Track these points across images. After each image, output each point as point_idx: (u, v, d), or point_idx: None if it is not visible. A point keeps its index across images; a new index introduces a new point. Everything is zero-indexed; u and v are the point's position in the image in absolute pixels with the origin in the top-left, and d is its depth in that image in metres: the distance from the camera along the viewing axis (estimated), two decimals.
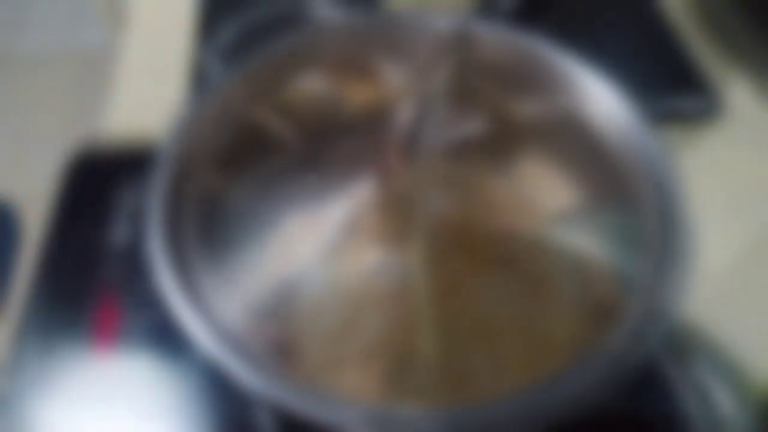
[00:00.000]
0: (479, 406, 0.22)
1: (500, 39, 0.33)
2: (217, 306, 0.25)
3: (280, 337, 0.24)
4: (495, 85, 0.32)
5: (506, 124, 0.30)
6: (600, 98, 0.31)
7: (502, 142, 0.28)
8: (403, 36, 0.34)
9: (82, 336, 0.37)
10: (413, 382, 0.23)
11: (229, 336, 0.24)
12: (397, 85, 0.31)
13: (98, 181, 0.44)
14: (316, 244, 0.25)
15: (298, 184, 0.27)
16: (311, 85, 0.32)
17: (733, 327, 0.39)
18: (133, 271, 0.40)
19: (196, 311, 0.24)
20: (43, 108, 1.47)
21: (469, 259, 0.25)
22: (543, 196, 0.26)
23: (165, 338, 0.37)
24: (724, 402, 0.23)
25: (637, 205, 0.28)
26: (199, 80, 0.33)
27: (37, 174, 1.31)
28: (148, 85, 0.54)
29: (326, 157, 0.27)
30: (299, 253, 0.25)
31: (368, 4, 0.50)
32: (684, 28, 0.57)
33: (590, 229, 0.26)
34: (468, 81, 0.28)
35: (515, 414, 0.22)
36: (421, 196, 0.25)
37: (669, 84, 0.52)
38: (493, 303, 0.25)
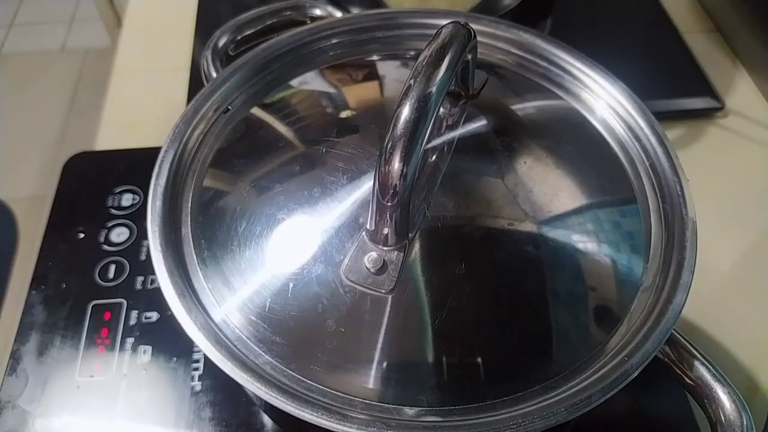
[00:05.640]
0: (480, 406, 0.22)
1: (501, 37, 0.33)
2: (217, 306, 0.25)
3: (280, 337, 0.24)
4: (496, 84, 0.32)
5: (507, 122, 0.30)
6: (602, 96, 0.31)
7: (503, 141, 0.28)
8: (403, 36, 0.34)
9: (81, 336, 0.37)
10: (414, 382, 0.23)
11: (229, 336, 0.24)
12: (397, 85, 0.31)
13: (97, 181, 0.44)
14: (317, 244, 0.25)
15: (299, 184, 0.27)
16: (311, 85, 0.32)
17: (733, 327, 0.39)
18: (133, 271, 0.40)
19: (195, 311, 0.24)
20: (39, 108, 1.47)
21: (469, 259, 0.24)
22: (543, 195, 0.26)
23: (165, 338, 0.37)
24: (724, 402, 0.23)
25: (639, 203, 0.28)
26: (199, 80, 0.33)
27: (30, 175, 1.31)
28: (148, 85, 0.54)
29: (326, 157, 0.27)
30: (299, 253, 0.25)
31: (368, 4, 0.50)
32: (685, 28, 0.57)
33: (590, 229, 0.26)
34: (468, 80, 0.28)
35: (516, 414, 0.22)
36: (421, 196, 0.25)
37: (671, 83, 0.52)
38: (492, 302, 0.25)
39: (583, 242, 0.26)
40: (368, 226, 0.24)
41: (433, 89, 0.22)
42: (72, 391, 0.35)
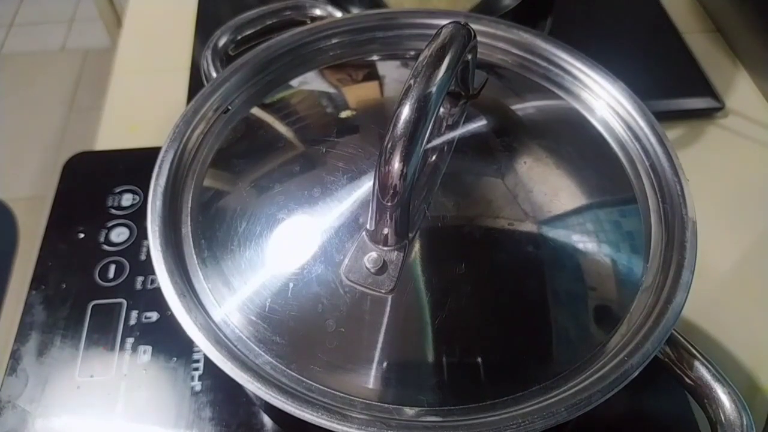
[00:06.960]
0: (480, 406, 0.22)
1: (501, 37, 0.33)
2: (217, 306, 0.25)
3: (280, 337, 0.24)
4: (496, 84, 0.32)
5: (507, 122, 0.30)
6: (602, 96, 0.31)
7: (503, 141, 0.28)
8: (403, 36, 0.34)
9: (81, 336, 0.37)
10: (414, 382, 0.23)
11: (229, 336, 0.24)
12: (397, 85, 0.31)
13: (97, 181, 0.44)
14: (317, 244, 0.25)
15: (299, 184, 0.27)
16: (311, 85, 0.32)
17: (733, 327, 0.39)
18: (133, 271, 0.40)
19: (195, 311, 0.24)
20: (39, 108, 1.47)
21: (469, 259, 0.24)
22: (543, 195, 0.26)
23: (165, 338, 0.37)
24: (724, 402, 0.23)
25: (639, 203, 0.28)
26: (199, 80, 0.33)
27: (30, 175, 1.31)
28: (148, 85, 0.54)
29: (326, 157, 0.27)
30: (299, 253, 0.25)
31: (368, 4, 0.50)
32: (685, 28, 0.57)
33: (590, 229, 0.26)
34: (468, 80, 0.28)
35: (516, 414, 0.22)
36: (421, 196, 0.25)
37: (671, 83, 0.52)
38: (492, 302, 0.24)
39: (583, 242, 0.26)
40: (368, 226, 0.24)
41: (433, 89, 0.22)
42: (72, 391, 0.35)
